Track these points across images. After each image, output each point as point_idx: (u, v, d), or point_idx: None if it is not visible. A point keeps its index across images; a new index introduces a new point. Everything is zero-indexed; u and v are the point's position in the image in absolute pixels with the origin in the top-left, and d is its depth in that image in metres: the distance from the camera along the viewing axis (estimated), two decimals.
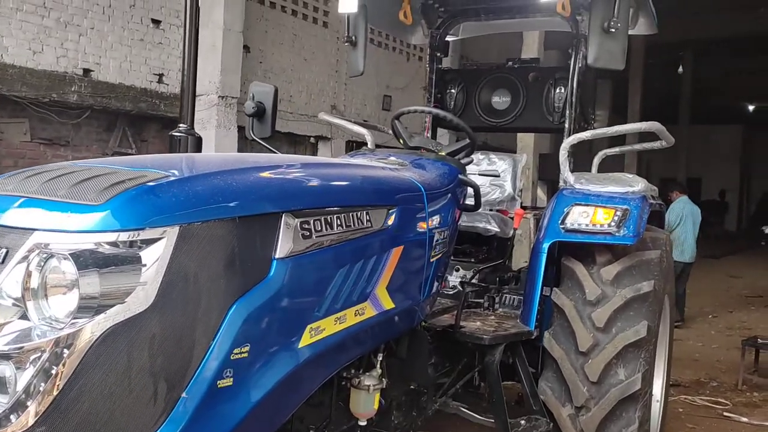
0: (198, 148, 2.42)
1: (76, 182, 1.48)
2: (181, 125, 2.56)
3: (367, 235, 2.04)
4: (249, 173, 1.73)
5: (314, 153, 11.65)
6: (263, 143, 3.11)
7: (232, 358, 1.55)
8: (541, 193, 14.46)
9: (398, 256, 2.22)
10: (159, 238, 1.41)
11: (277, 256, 1.67)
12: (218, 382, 1.52)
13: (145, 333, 1.41)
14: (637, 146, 3.98)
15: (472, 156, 3.16)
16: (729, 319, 9.35)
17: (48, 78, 7.11)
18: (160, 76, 8.40)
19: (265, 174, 1.80)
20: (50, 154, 7.61)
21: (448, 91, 4.39)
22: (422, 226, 2.42)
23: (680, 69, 16.32)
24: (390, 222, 2.16)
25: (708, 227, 24.33)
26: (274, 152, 3.19)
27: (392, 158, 2.74)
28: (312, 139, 11.35)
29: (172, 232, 1.43)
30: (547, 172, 13.23)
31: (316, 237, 1.79)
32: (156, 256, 1.40)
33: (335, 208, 1.89)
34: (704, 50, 17.82)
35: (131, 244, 1.40)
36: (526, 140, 11.41)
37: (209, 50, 8.58)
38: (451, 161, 2.91)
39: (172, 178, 1.53)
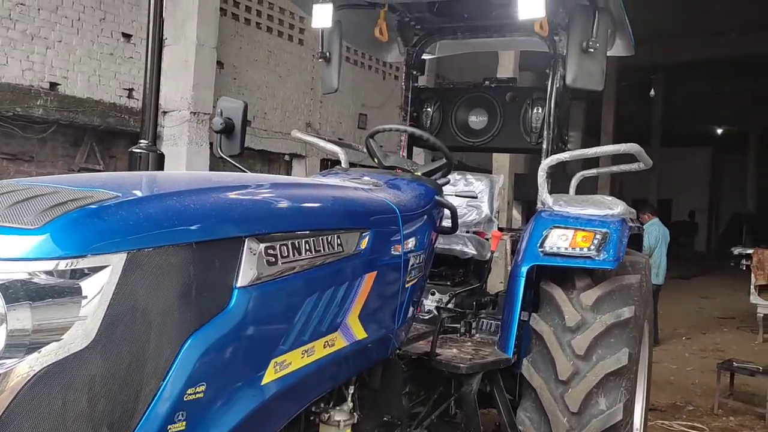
0: (160, 165, 2.27)
1: (13, 203, 1.32)
2: (142, 141, 2.40)
3: (339, 261, 1.90)
4: (210, 194, 1.58)
5: (288, 171, 11.51)
6: (232, 161, 2.97)
7: (185, 399, 1.39)
8: (516, 214, 14.48)
9: (371, 282, 2.09)
10: (103, 267, 1.26)
11: (238, 285, 1.53)
12: (169, 427, 1.36)
13: (84, 374, 1.24)
14: (615, 168, 3.93)
15: (449, 176, 3.06)
16: (702, 341, 9.37)
17: (12, 91, 6.88)
18: (130, 90, 8.21)
19: (228, 195, 1.64)
20: (13, 169, 7.35)
21: (424, 109, 4.31)
22: (397, 250, 2.29)
23: (652, 92, 16.57)
24: (363, 246, 2.03)
25: (678, 248, 24.69)
26: (244, 171, 3.05)
27: (366, 178, 2.62)
28: (286, 157, 11.22)
29: (118, 260, 1.27)
30: (522, 193, 13.26)
31: (282, 263, 1.65)
32: (99, 287, 1.25)
33: (304, 232, 1.75)
34: (675, 74, 18.16)
35: (70, 273, 1.24)
36: (501, 160, 11.42)
37: (182, 66, 8.43)
38: (428, 182, 2.80)
39: (122, 200, 1.37)
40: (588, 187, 4.54)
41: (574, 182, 3.89)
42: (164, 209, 1.40)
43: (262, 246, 1.59)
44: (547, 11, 3.10)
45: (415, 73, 4.24)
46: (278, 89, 10.55)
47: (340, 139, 11.87)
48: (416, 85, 4.29)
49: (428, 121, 4.28)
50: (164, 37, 8.57)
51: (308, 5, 3.32)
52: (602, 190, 16.16)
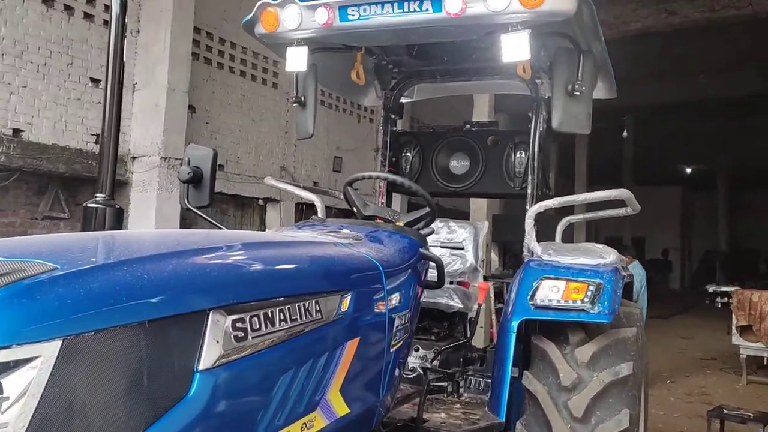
0: (118, 221, 2.06)
1: None
2: (98, 195, 2.18)
3: (317, 329, 1.69)
4: (167, 260, 1.36)
5: (262, 216, 11.27)
6: (200, 213, 2.77)
7: None
8: (494, 256, 14.35)
9: (354, 350, 1.88)
10: (31, 359, 1.03)
11: (200, 367, 1.31)
12: None
13: None
14: (602, 213, 3.80)
15: (432, 227, 2.88)
16: (687, 385, 9.21)
17: None
18: (98, 136, 7.95)
19: (189, 260, 1.43)
20: None
21: (403, 154, 4.16)
22: (381, 311, 2.09)
23: (624, 133, 16.82)
24: (344, 310, 1.83)
25: (654, 286, 24.79)
26: (214, 223, 2.84)
27: (345, 231, 2.42)
28: (260, 202, 11.00)
29: (51, 349, 1.05)
30: (500, 234, 13.18)
31: (253, 338, 1.43)
32: (24, 385, 1.02)
33: (278, 299, 1.54)
34: (645, 115, 18.48)
35: None
36: (479, 202, 11.33)
37: (152, 110, 8.25)
38: (411, 233, 2.62)
39: (60, 272, 1.14)
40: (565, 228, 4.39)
41: (560, 228, 3.75)
42: (111, 282, 1.18)
43: (229, 319, 1.37)
44: (531, 54, 2.99)
45: (393, 116, 4.10)
46: (252, 133, 10.40)
47: (315, 183, 11.74)
48: (395, 129, 4.15)
49: (407, 167, 4.13)
50: (134, 82, 8.43)
51: (282, 48, 3.17)
52: (578, 231, 16.19)
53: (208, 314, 1.33)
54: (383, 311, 2.08)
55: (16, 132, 7.07)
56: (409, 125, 13.18)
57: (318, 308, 1.68)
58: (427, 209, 2.86)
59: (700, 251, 31.61)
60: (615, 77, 3.86)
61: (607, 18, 11.24)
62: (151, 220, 8.12)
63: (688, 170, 28.19)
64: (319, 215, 3.64)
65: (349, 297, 1.86)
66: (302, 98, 3.46)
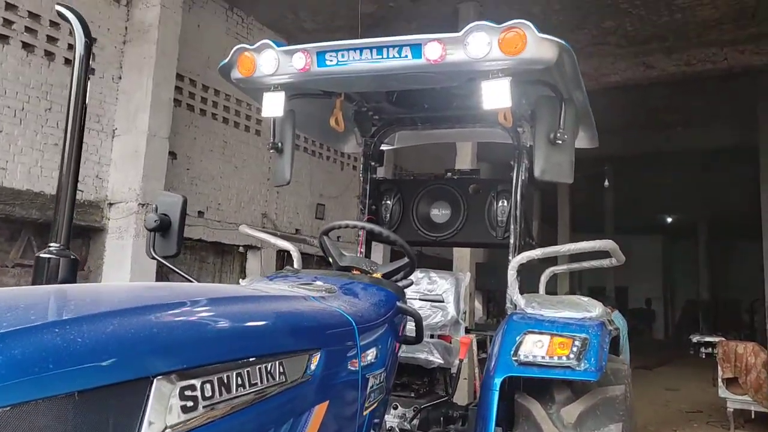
0: (72, 273, 1.93)
1: None
2: (51, 244, 2.05)
3: (281, 393, 1.54)
4: (108, 320, 1.20)
5: (243, 263, 11.08)
6: (167, 263, 2.63)
7: None
8: (477, 304, 14.20)
9: (323, 415, 1.72)
10: None
11: None
12: None
13: None
14: (586, 264, 3.70)
15: (411, 278, 2.76)
16: None
17: None
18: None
19: (135, 319, 1.26)
20: None
21: (383, 202, 4.06)
22: (353, 370, 1.94)
23: (606, 182, 16.99)
24: (312, 371, 1.68)
25: (637, 335, 24.64)
26: (181, 274, 2.70)
27: (318, 283, 2.29)
28: (241, 249, 10.82)
29: None
30: (483, 283, 13.06)
31: (204, 407, 1.27)
32: None
33: (237, 362, 1.39)
34: (624, 165, 18.72)
35: None
36: (462, 251, 11.20)
37: (131, 156, 8.14)
38: (388, 285, 2.49)
39: None
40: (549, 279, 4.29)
41: (543, 279, 3.65)
42: (36, 347, 1.02)
43: (177, 387, 1.21)
44: (512, 102, 2.94)
45: (373, 164, 4.02)
46: (233, 180, 10.30)
47: (297, 231, 11.60)
48: (374, 176, 4.06)
49: (388, 215, 4.03)
50: (114, 128, 8.35)
51: (259, 94, 3.09)
52: (561, 281, 16.13)
53: (152, 382, 1.17)
54: (356, 370, 1.94)
55: None
56: (392, 172, 13.19)
57: (282, 370, 1.53)
58: (406, 260, 2.74)
59: (682, 300, 31.67)
60: (596, 127, 3.84)
61: (587, 70, 11.46)
62: (126, 268, 7.91)
63: (669, 219, 28.47)
64: (295, 265, 3.51)
65: (318, 356, 1.71)
66: (279, 144, 3.37)
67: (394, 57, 2.70)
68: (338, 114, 3.42)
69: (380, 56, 2.71)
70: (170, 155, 8.92)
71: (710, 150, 16.07)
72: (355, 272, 2.69)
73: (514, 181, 3.57)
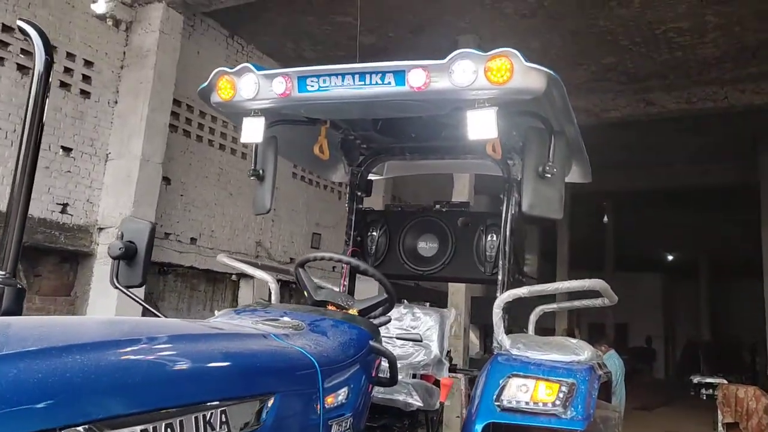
0: (18, 304, 1.80)
1: None
2: None
3: None
4: (16, 362, 1.04)
5: (235, 292, 10.91)
6: (130, 294, 2.49)
7: None
8: (474, 338, 13.95)
9: None
10: None
11: None
12: None
13: None
14: (578, 303, 3.56)
15: (390, 315, 2.61)
16: None
17: None
18: (65, 205, 7.71)
19: (48, 362, 1.10)
20: None
21: (369, 233, 3.93)
22: (314, 417, 1.79)
23: (605, 219, 16.88)
24: (262, 419, 1.53)
25: (638, 375, 24.22)
26: (146, 307, 2.56)
27: (286, 318, 2.15)
28: (233, 277, 10.66)
29: None
30: (480, 317, 12.84)
31: None
32: None
33: (167, 410, 1.24)
34: (624, 202, 18.64)
35: None
36: (456, 284, 11.05)
37: (123, 181, 8.05)
38: (362, 323, 2.35)
39: None
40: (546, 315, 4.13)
41: (533, 318, 3.50)
42: None
43: None
44: (500, 133, 2.83)
45: (359, 194, 3.91)
46: (228, 206, 10.20)
47: (291, 259, 11.44)
48: (360, 207, 3.94)
49: (373, 247, 3.90)
50: (108, 152, 8.27)
51: (239, 118, 2.99)
52: (560, 317, 15.89)
53: None
54: (317, 417, 1.78)
55: None
56: (389, 203, 13.09)
57: (224, 419, 1.37)
58: (385, 295, 2.60)
59: (683, 339, 31.25)
60: (594, 163, 3.72)
61: (587, 106, 11.44)
62: (113, 294, 7.73)
63: (670, 257, 28.28)
64: (273, 298, 3.37)
65: (272, 402, 1.56)
66: (260, 171, 3.26)
67: (377, 83, 2.60)
68: (323, 141, 3.32)
69: (363, 82, 2.61)
70: (164, 180, 8.83)
71: (711, 188, 15.98)
72: (330, 307, 2.55)
73: (503, 215, 3.45)
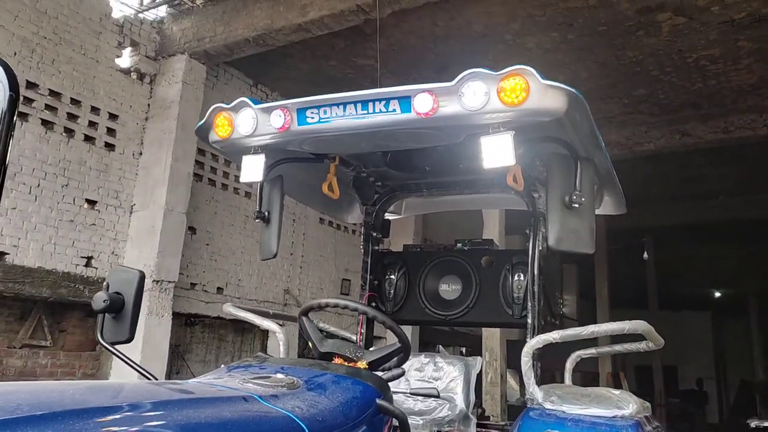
0: None
1: None
2: None
3: None
4: None
5: (264, 342, 10.66)
6: (116, 352, 2.26)
7: None
8: (513, 384, 13.35)
9: None
10: None
11: None
12: None
13: None
14: (618, 347, 3.21)
15: (403, 367, 2.32)
16: None
17: None
18: (89, 258, 7.65)
19: None
20: None
21: (387, 276, 3.67)
22: None
23: (645, 255, 16.23)
24: None
25: (690, 420, 22.95)
26: (133, 366, 2.33)
27: (279, 376, 1.89)
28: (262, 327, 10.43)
29: None
30: (517, 360, 12.29)
31: None
32: None
33: None
34: (665, 237, 17.96)
35: None
36: None
37: (148, 231, 7.98)
38: (369, 378, 2.07)
39: None
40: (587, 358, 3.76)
41: (569, 365, 3.16)
42: None
43: None
44: (520, 162, 2.58)
45: (375, 234, 3.65)
46: (255, 254, 10.04)
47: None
48: (377, 248, 3.68)
49: (392, 291, 3.63)
50: (132, 204, 8.24)
51: (240, 157, 2.80)
52: (603, 360, 15.18)
53: None
54: None
55: (0, 255, 6.76)
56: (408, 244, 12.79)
57: None
58: (398, 345, 2.32)
59: (736, 381, 29.65)
60: (631, 197, 3.42)
61: (620, 139, 11.11)
62: (137, 348, 7.57)
63: (717, 294, 27.12)
64: (281, 349, 3.11)
65: None
66: (266, 213, 3.05)
67: (380, 111, 2.38)
68: (332, 179, 3.11)
69: (366, 111, 2.40)
70: (189, 230, 8.76)
71: (756, 219, 15.28)
72: (336, 360, 2.28)
73: (530, 252, 3.15)
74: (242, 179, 2.74)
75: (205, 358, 9.69)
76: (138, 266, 7.84)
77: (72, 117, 7.53)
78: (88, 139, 7.73)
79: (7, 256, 6.85)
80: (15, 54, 6.91)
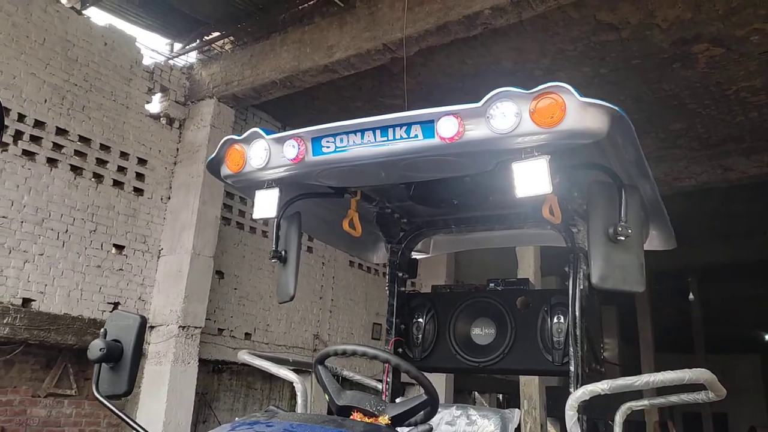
0: None
1: None
2: None
3: None
4: None
5: (294, 390, 10.36)
6: (111, 407, 2.05)
7: None
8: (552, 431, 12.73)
9: None
10: None
11: None
12: None
13: None
14: (675, 398, 2.87)
15: (432, 422, 2.05)
16: None
17: None
18: (115, 305, 7.54)
19: None
20: None
21: (414, 320, 3.40)
22: None
23: (691, 296, 15.54)
24: None
25: None
26: (131, 425, 2.10)
27: None
28: None
29: None
30: (557, 409, 11.72)
31: None
32: None
33: None
34: (709, 277, 17.24)
35: None
36: None
37: (175, 276, 7.86)
38: None
39: None
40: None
41: (619, 419, 2.82)
42: None
43: None
44: (557, 192, 2.33)
45: (401, 275, 3.40)
46: None
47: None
48: (403, 289, 3.43)
49: (420, 335, 3.35)
50: (160, 248, 8.16)
51: (252, 192, 2.62)
52: (649, 408, 14.40)
53: None
54: None
55: (26, 302, 6.70)
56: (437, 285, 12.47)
57: None
58: (425, 397, 2.06)
59: None
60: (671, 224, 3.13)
61: (659, 175, 10.72)
62: (162, 398, 7.37)
63: (767, 337, 25.86)
64: (299, 401, 2.86)
65: None
66: (282, 253, 2.83)
67: (401, 138, 2.18)
68: (353, 215, 2.90)
69: (385, 138, 2.20)
70: (217, 274, 8.63)
71: None
72: (355, 415, 2.03)
73: (570, 292, 2.87)
74: (255, 215, 2.54)
75: (232, 406, 9.42)
76: (164, 312, 7.72)
77: (101, 162, 7.54)
78: (117, 184, 7.73)
79: (33, 303, 6.78)
80: (45, 101, 6.98)
